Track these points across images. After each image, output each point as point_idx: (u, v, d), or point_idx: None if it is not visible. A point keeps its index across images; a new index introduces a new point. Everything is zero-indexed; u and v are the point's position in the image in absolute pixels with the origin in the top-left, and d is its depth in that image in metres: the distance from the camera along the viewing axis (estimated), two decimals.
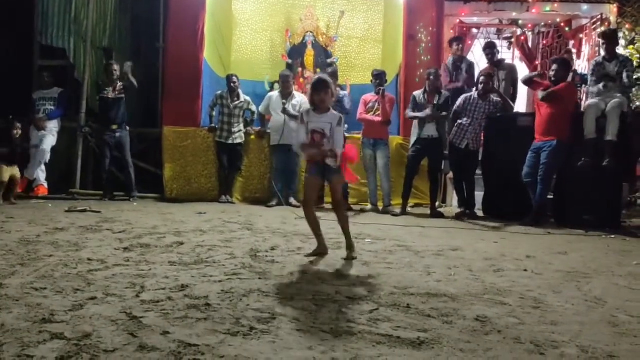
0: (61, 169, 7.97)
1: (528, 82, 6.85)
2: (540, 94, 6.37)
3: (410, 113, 7.10)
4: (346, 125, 7.39)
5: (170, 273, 3.12)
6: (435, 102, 6.89)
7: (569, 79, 6.81)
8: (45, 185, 7.49)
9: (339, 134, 3.81)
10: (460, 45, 8.14)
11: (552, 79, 6.36)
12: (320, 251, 3.89)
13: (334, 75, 7.49)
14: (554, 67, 6.44)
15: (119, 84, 7.51)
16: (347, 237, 3.92)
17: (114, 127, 7.44)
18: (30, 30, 8.05)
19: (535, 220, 6.18)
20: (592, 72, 6.55)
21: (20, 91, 7.91)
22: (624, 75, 6.24)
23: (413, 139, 7.08)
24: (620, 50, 7.85)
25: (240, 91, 7.74)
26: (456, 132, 6.94)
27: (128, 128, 7.61)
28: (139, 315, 2.30)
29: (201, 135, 7.79)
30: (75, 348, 1.91)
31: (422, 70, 7.97)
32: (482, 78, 7.01)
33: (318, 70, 8.88)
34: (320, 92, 3.75)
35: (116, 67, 7.52)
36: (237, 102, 7.64)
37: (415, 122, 7.06)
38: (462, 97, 7.06)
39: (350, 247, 3.89)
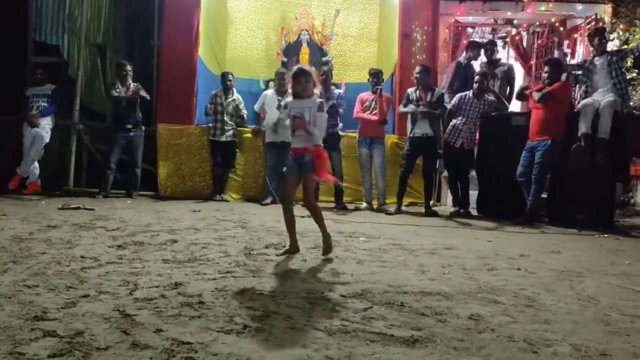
0: (54, 166, 7.93)
1: (520, 97, 6.98)
2: (535, 95, 6.38)
3: (401, 108, 7.12)
4: (341, 124, 7.48)
5: (164, 271, 3.12)
6: (428, 100, 6.90)
7: (563, 78, 6.83)
8: (39, 182, 7.44)
9: (319, 118, 3.81)
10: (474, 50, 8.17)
11: (546, 80, 6.38)
12: (292, 250, 3.85)
13: (329, 73, 7.49)
14: (547, 68, 6.48)
15: (133, 84, 7.53)
16: (322, 230, 3.88)
17: (129, 126, 7.44)
18: (24, 27, 8.00)
19: (529, 220, 6.20)
20: (583, 72, 6.60)
21: (14, 88, 7.86)
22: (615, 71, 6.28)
23: (407, 137, 7.09)
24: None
25: (234, 89, 7.74)
26: (451, 131, 6.96)
27: (144, 128, 7.59)
28: (132, 313, 2.29)
29: (195, 133, 7.77)
30: (68, 346, 1.90)
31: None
32: (477, 77, 7.03)
33: (314, 68, 8.86)
34: (301, 80, 3.77)
35: (129, 67, 7.54)
36: (230, 100, 7.63)
37: (409, 120, 7.07)
38: (457, 96, 7.07)
39: (326, 241, 3.85)
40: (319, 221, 3.89)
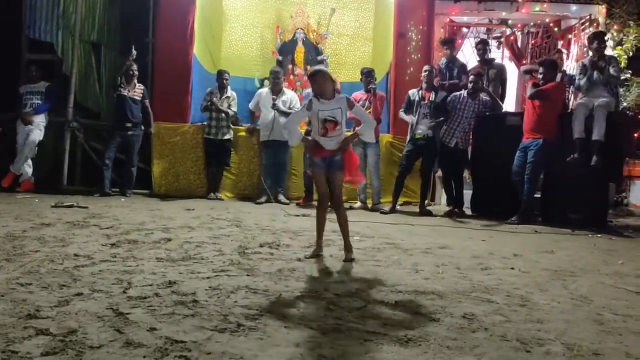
0: (48, 164, 7.90)
1: (528, 72, 6.93)
2: (529, 91, 6.42)
3: (402, 114, 7.10)
4: None
5: (158, 269, 3.11)
6: (432, 100, 6.91)
7: (558, 79, 6.85)
8: (32, 180, 7.42)
9: (360, 112, 3.79)
10: (449, 49, 8.20)
11: (541, 82, 6.40)
12: (318, 252, 3.79)
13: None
14: (541, 69, 6.48)
15: (138, 85, 7.53)
16: (345, 238, 3.80)
17: (129, 125, 7.42)
18: (18, 24, 7.96)
19: (523, 219, 6.22)
20: (580, 72, 6.56)
21: (8, 85, 7.82)
22: (611, 70, 6.27)
23: (409, 138, 7.08)
24: (609, 51, 7.91)
25: (229, 87, 7.73)
26: (446, 130, 6.97)
27: (143, 128, 7.58)
28: (125, 312, 2.28)
29: (190, 132, 7.76)
30: (61, 344, 1.89)
31: (412, 69, 8.00)
32: (471, 77, 7.04)
33: (309, 67, 8.87)
34: (316, 79, 3.70)
35: (135, 67, 7.53)
36: (224, 98, 7.62)
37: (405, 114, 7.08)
38: (452, 96, 7.09)
39: (348, 249, 3.77)
40: (344, 225, 3.81)
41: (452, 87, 7.57)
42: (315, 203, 6.97)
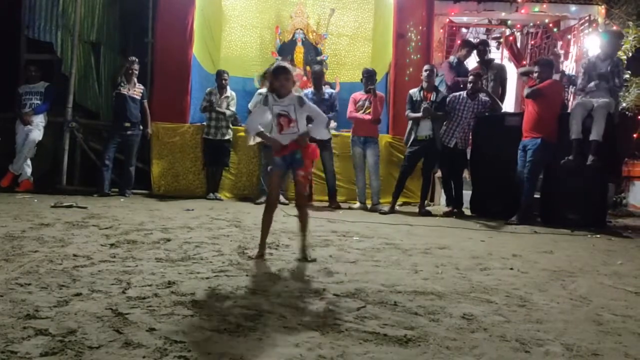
0: (47, 164, 7.89)
1: (525, 74, 6.93)
2: (525, 90, 6.43)
3: (410, 114, 7.05)
4: (335, 123, 7.48)
5: (157, 269, 3.11)
6: (432, 99, 6.91)
7: (557, 79, 6.85)
8: (31, 179, 7.41)
9: (311, 108, 3.76)
10: (467, 52, 8.20)
11: (537, 80, 6.38)
12: (262, 252, 3.69)
13: (321, 73, 7.50)
14: (537, 68, 6.47)
15: (138, 85, 7.54)
16: (302, 236, 3.74)
17: (127, 124, 7.42)
18: (17, 24, 7.95)
19: (523, 218, 6.21)
20: (585, 70, 6.52)
21: (6, 85, 7.82)
22: (615, 78, 6.25)
23: (410, 139, 7.05)
24: None
25: (228, 87, 7.73)
26: (445, 130, 6.97)
27: (142, 128, 7.58)
28: (124, 312, 2.28)
29: (190, 132, 7.76)
30: (60, 344, 1.89)
31: (411, 69, 8.01)
32: (470, 77, 7.04)
33: (308, 67, 8.88)
34: (279, 77, 3.66)
35: (136, 65, 7.54)
36: (223, 97, 7.62)
37: (410, 122, 7.05)
38: (451, 95, 7.09)
39: (304, 247, 3.70)
40: (304, 223, 3.76)
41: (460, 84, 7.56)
42: (314, 203, 7.03)
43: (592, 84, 6.33)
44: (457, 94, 7.07)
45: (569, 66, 9.15)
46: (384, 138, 7.80)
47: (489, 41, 9.73)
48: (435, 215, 6.83)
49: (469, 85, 6.96)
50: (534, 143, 6.25)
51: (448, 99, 7.05)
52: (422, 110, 6.82)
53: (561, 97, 7.01)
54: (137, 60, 7.58)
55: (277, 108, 3.72)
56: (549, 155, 6.27)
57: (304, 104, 3.74)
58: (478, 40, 9.16)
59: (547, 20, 9.69)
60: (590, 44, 8.60)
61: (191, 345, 1.95)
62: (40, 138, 7.46)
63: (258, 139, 4.02)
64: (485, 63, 7.89)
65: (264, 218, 3.77)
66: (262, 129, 3.87)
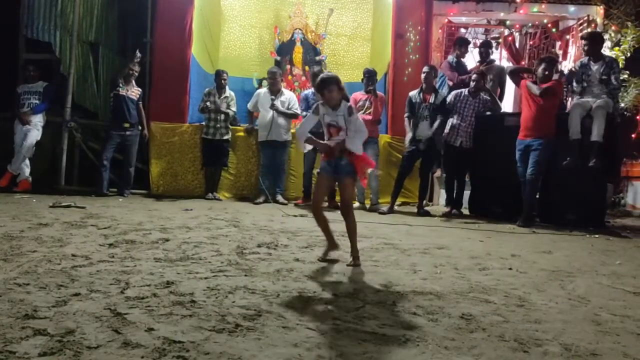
0: (45, 164, 7.88)
1: (514, 73, 6.90)
2: (535, 89, 6.29)
3: (406, 122, 7.06)
4: None
5: (156, 269, 3.10)
6: (431, 101, 6.91)
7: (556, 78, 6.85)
8: (29, 179, 7.40)
9: (356, 122, 3.76)
10: (463, 50, 8.20)
11: (542, 78, 6.32)
12: (331, 248, 3.76)
13: (320, 73, 7.48)
14: (544, 65, 6.39)
15: (136, 87, 7.56)
16: (352, 243, 3.70)
17: (126, 125, 7.41)
18: (15, 24, 7.94)
19: (528, 220, 6.17)
20: (576, 73, 6.51)
21: (5, 85, 7.81)
22: (612, 77, 6.25)
23: (408, 138, 7.05)
24: (606, 51, 7.91)
25: (227, 87, 7.73)
26: (450, 130, 6.96)
27: (140, 128, 7.58)
28: (123, 312, 2.28)
29: (188, 132, 7.75)
30: (59, 344, 1.89)
31: (410, 69, 8.02)
32: (474, 76, 7.04)
33: (307, 68, 8.88)
34: (323, 91, 3.67)
35: (137, 68, 7.55)
36: (222, 97, 7.62)
37: (409, 122, 7.05)
38: (453, 93, 7.09)
39: (355, 255, 3.65)
40: (352, 230, 3.73)
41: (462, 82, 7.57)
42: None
43: (582, 84, 6.33)
44: (459, 91, 7.06)
45: (567, 66, 9.15)
46: (383, 138, 7.80)
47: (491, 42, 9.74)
48: (434, 216, 6.83)
49: (472, 84, 6.96)
50: (539, 143, 6.19)
51: (450, 95, 7.04)
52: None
53: (561, 96, 7.02)
54: (141, 57, 7.57)
55: (327, 118, 3.75)
56: (552, 154, 6.24)
57: (352, 114, 3.75)
58: (478, 41, 9.16)
59: (545, 21, 9.70)
60: None
61: (190, 345, 1.94)
62: (38, 138, 7.44)
63: (309, 146, 4.02)
64: (487, 64, 7.89)
65: (316, 219, 3.82)
66: (310, 135, 3.87)
